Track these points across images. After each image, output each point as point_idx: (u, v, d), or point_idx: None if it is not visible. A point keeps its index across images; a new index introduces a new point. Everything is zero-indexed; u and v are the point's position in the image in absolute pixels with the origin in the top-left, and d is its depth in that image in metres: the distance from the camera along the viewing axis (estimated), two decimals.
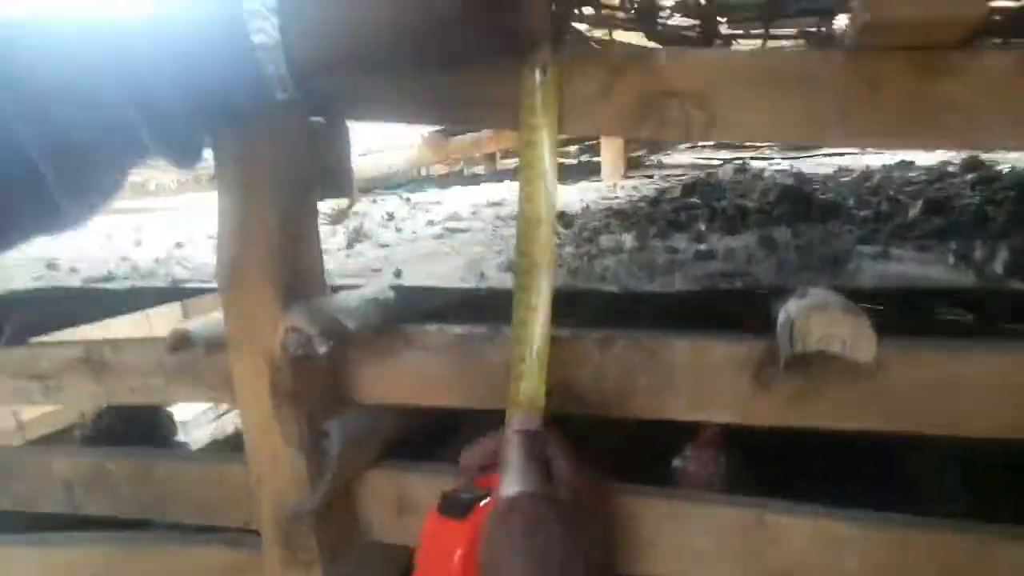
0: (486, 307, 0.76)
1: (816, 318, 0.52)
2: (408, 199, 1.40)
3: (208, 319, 0.69)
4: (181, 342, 0.66)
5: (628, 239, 0.79)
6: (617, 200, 1.24)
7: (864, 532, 0.58)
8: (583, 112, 0.57)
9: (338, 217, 0.72)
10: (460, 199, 1.37)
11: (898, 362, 0.56)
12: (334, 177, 0.66)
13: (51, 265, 1.18)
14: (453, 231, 1.02)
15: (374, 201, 1.46)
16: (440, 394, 0.67)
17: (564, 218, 1.05)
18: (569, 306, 0.68)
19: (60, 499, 0.86)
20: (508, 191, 1.42)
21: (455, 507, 0.54)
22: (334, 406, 0.68)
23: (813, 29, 1.17)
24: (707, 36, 1.21)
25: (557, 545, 0.50)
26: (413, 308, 0.72)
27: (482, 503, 0.53)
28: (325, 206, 0.67)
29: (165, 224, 1.45)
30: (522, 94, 0.56)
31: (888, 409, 0.57)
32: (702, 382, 0.60)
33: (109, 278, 0.86)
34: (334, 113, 0.65)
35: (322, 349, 0.61)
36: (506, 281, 0.71)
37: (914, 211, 0.87)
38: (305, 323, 0.60)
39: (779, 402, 0.59)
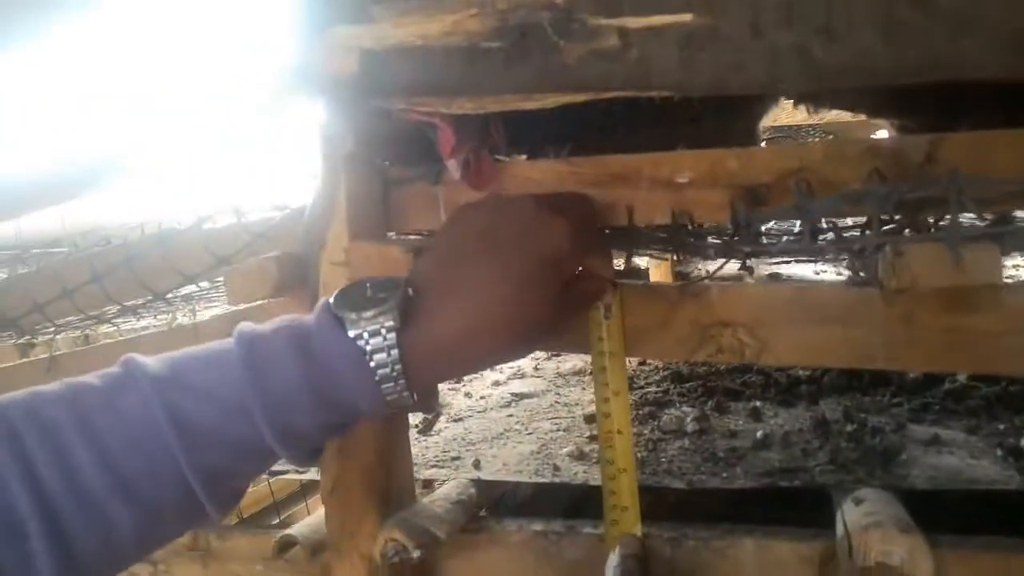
0: (561, 497, 0.82)
1: (873, 535, 0.57)
2: None
3: (309, 522, 0.75)
4: (287, 547, 0.73)
5: (689, 419, 0.85)
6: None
7: None
8: (647, 340, 0.64)
9: (425, 428, 0.79)
10: None
11: (955, 564, 0.60)
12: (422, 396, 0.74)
13: None
14: (520, 397, 1.09)
15: None
16: None
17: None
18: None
19: None
20: None
21: None
22: None
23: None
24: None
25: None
26: (493, 496, 0.78)
27: None
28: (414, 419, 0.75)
29: None
30: (591, 328, 0.64)
31: None
32: None
33: None
34: None
35: (416, 555, 0.68)
36: (576, 472, 0.77)
37: (963, 375, 0.91)
38: (402, 536, 0.66)
39: None
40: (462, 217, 0.56)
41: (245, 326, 0.51)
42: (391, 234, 0.72)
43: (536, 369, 1.28)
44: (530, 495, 0.78)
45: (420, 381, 0.51)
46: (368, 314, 0.48)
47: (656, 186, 0.63)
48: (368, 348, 0.48)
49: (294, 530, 0.73)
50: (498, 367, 1.34)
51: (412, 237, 0.71)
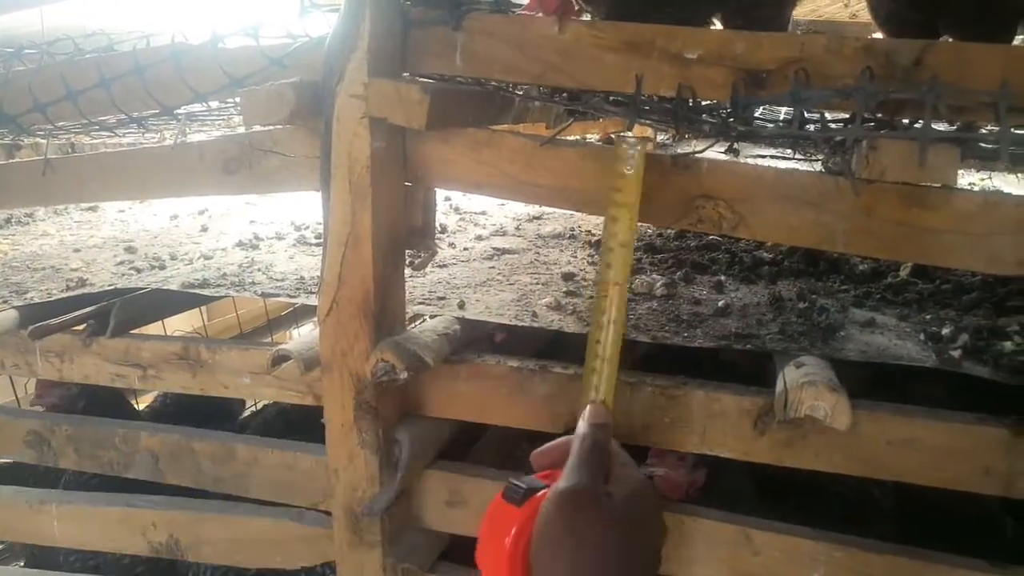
0: (536, 339, 0.90)
1: (806, 391, 0.66)
2: (456, 208, 1.52)
3: (302, 340, 0.82)
4: (281, 360, 0.80)
5: (658, 284, 0.92)
6: (648, 231, 1.37)
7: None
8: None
9: (420, 265, 0.84)
10: (503, 211, 1.49)
11: (867, 422, 0.70)
12: (421, 232, 0.79)
13: (129, 249, 1.32)
14: (502, 252, 1.15)
15: None
16: (494, 414, 0.80)
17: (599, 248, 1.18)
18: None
19: (147, 468, 1.00)
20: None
21: (515, 494, 0.59)
22: (402, 416, 0.82)
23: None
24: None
25: (601, 540, 0.55)
26: (474, 334, 0.86)
27: (540, 493, 0.59)
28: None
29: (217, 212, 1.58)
30: (612, 179, 0.67)
31: (856, 457, 0.70)
32: (713, 424, 0.74)
33: (205, 284, 0.99)
34: (424, 180, 0.77)
35: (403, 376, 0.75)
36: (552, 320, 0.85)
37: (905, 271, 1.00)
38: (393, 357, 0.73)
39: (773, 445, 0.73)
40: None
41: None
42: (405, 75, 0.75)
43: (517, 229, 1.33)
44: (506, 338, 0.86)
45: None
46: None
47: (666, 58, 0.67)
48: None
49: (288, 346, 0.80)
50: (480, 224, 1.40)
51: (428, 80, 0.74)
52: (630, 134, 0.69)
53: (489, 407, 0.81)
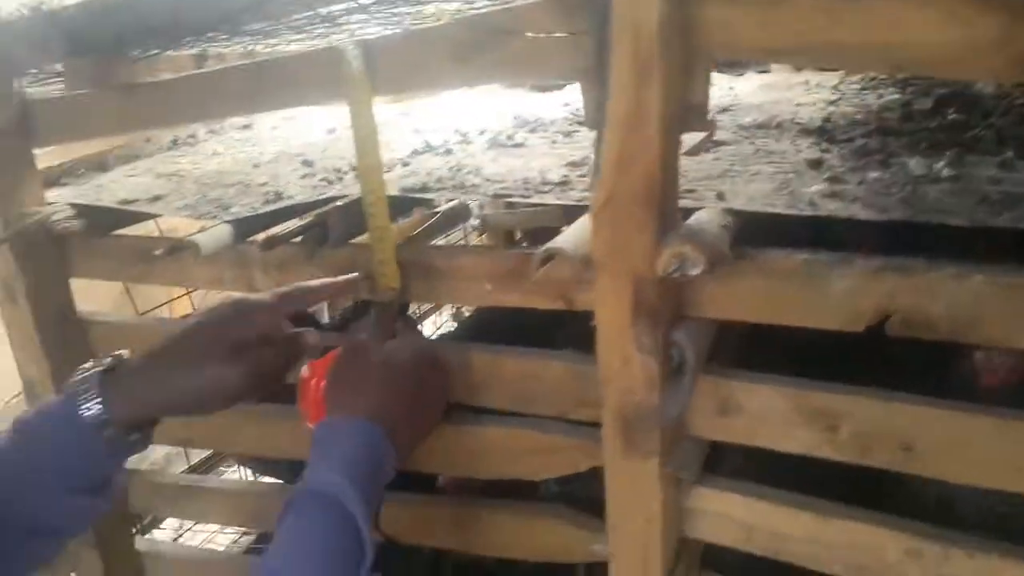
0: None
1: None
2: None
3: (565, 238, 0.75)
4: (550, 259, 0.73)
5: (940, 165, 0.81)
6: (848, 109, 1.23)
7: None
8: None
9: (696, 149, 0.76)
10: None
11: None
12: (698, 110, 0.70)
13: (305, 162, 1.28)
14: (717, 144, 1.05)
15: None
16: (784, 313, 0.73)
17: (823, 131, 1.06)
18: (912, 236, 0.72)
19: None
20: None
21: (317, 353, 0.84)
22: (676, 318, 0.76)
23: None
24: None
25: (377, 375, 0.78)
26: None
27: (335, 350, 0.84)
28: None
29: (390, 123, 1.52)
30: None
31: None
32: None
33: (425, 188, 0.93)
34: (705, 50, 0.68)
35: (696, 272, 0.68)
36: (834, 209, 0.75)
37: None
38: (693, 251, 0.66)
39: None
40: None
41: None
42: None
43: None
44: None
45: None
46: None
47: None
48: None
49: (559, 243, 0.73)
50: None
51: None
52: None
53: (778, 305, 0.73)
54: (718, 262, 0.67)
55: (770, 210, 0.76)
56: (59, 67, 1.08)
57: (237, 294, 0.81)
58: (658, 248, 0.69)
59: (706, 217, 0.75)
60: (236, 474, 2.04)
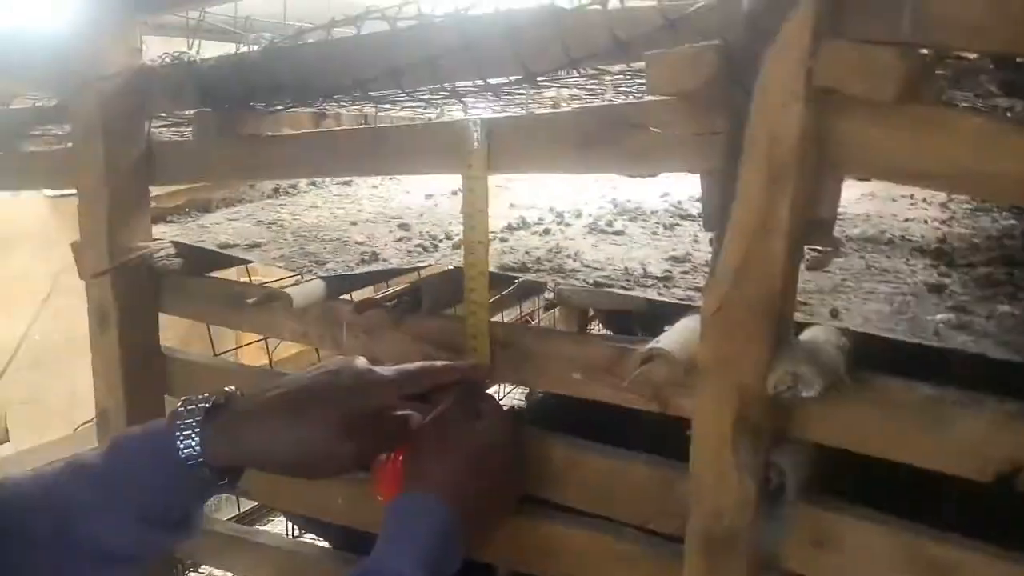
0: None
1: None
2: None
3: (670, 338, 0.72)
4: (650, 359, 0.70)
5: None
6: (963, 231, 1.18)
7: None
8: None
9: (817, 264, 0.74)
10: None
11: None
12: (824, 226, 0.68)
13: (402, 226, 1.29)
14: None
15: None
16: (898, 450, 0.67)
17: (940, 253, 1.01)
18: None
19: None
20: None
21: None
22: (778, 438, 0.71)
23: None
24: None
25: (465, 450, 0.75)
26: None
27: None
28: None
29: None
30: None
31: None
32: None
33: (523, 268, 0.92)
34: (843, 167, 0.66)
35: (809, 394, 0.64)
36: (964, 342, 0.70)
37: None
38: (809, 371, 0.62)
39: None
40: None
41: None
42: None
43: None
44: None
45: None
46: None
47: None
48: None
49: (663, 344, 0.70)
50: None
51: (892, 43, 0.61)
52: None
53: (894, 440, 0.68)
54: (833, 385, 0.63)
55: (891, 335, 0.72)
56: (188, 112, 1.13)
57: (360, 359, 0.79)
58: (770, 363, 0.66)
59: (821, 335, 0.71)
60: (281, 525, 2.02)
